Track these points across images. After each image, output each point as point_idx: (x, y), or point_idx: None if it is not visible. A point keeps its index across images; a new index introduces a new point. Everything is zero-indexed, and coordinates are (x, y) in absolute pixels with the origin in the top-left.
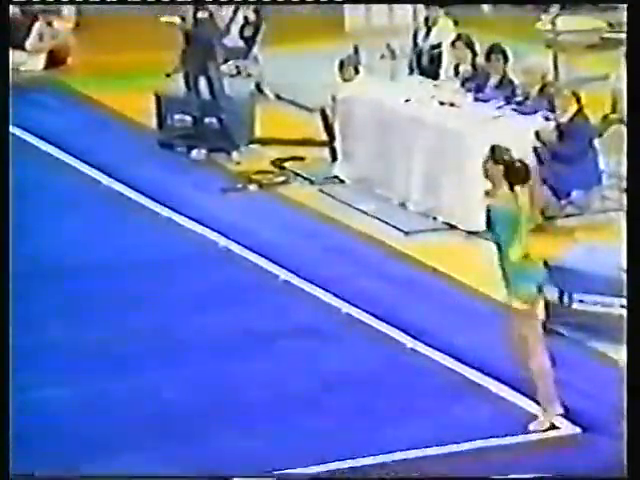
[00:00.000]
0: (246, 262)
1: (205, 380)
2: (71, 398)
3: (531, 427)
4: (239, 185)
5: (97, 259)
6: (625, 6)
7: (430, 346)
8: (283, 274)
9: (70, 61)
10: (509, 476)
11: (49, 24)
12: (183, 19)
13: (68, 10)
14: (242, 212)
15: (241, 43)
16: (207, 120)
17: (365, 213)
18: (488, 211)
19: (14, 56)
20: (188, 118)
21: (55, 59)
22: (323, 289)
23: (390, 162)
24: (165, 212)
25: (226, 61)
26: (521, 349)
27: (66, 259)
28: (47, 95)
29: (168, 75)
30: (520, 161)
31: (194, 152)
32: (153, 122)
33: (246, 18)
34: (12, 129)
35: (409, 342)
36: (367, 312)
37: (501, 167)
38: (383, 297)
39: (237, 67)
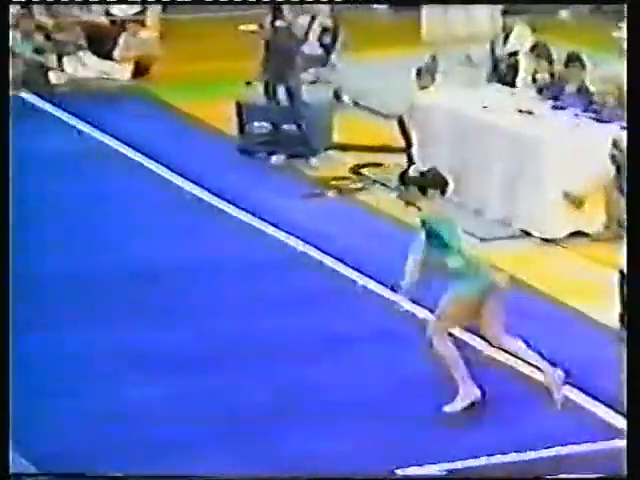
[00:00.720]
0: (324, 267)
1: (282, 383)
2: (154, 398)
3: (446, 409)
4: (317, 191)
5: (178, 264)
6: None
7: (507, 352)
8: (361, 279)
9: (154, 70)
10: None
11: (135, 34)
12: (262, 27)
13: (152, 20)
14: (320, 218)
15: (319, 51)
16: (286, 127)
17: None
18: (423, 225)
19: (103, 65)
20: (268, 125)
21: (141, 68)
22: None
23: (467, 169)
24: (245, 217)
25: (305, 69)
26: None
27: (148, 264)
28: (133, 103)
29: (248, 83)
30: (425, 174)
31: (273, 158)
32: (234, 129)
33: (324, 26)
34: (102, 137)
35: (486, 348)
36: None
37: (412, 187)
38: None
39: (315, 74)
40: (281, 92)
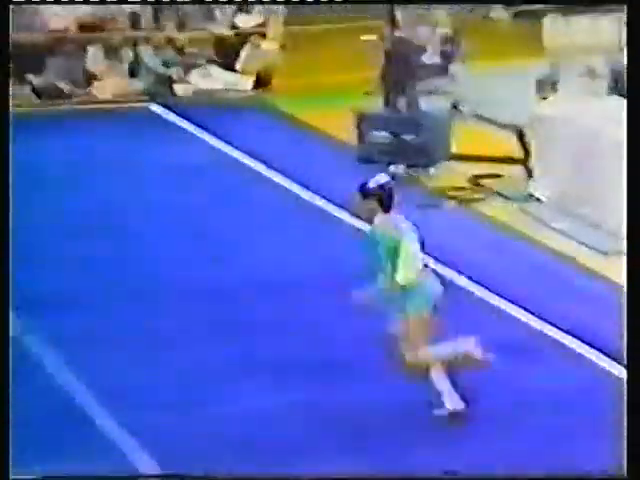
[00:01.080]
0: (440, 278)
1: (407, 391)
2: (282, 404)
3: (436, 412)
4: (435, 201)
5: (297, 271)
6: None
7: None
8: (478, 291)
9: (275, 81)
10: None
11: (257, 46)
12: (382, 38)
13: (274, 32)
14: (438, 228)
15: (439, 60)
16: (405, 137)
17: (561, 232)
18: (369, 237)
19: (225, 77)
20: (387, 135)
21: (262, 79)
22: (520, 307)
23: (586, 181)
24: (363, 226)
25: (424, 79)
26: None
27: (269, 272)
28: (254, 114)
29: (368, 93)
30: (383, 186)
31: (392, 167)
32: (353, 139)
33: (444, 35)
34: (223, 147)
35: (606, 363)
36: (563, 330)
37: (372, 200)
38: (578, 315)
39: (435, 84)
40: (400, 102)
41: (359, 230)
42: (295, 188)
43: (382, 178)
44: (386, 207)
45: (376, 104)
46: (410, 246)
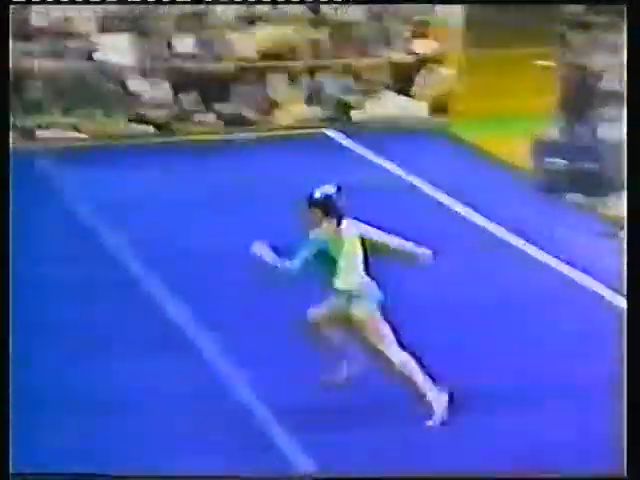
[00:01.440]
0: (617, 308)
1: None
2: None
3: (429, 423)
4: (613, 230)
5: (469, 298)
6: None
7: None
8: None
9: (451, 107)
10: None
11: (433, 71)
12: (558, 64)
13: (451, 57)
14: (614, 257)
15: (618, 87)
16: (582, 164)
17: None
18: (311, 244)
19: (401, 102)
20: (564, 162)
21: (438, 105)
22: None
23: None
24: (538, 254)
25: (602, 105)
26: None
27: (436, 297)
28: (430, 140)
29: (545, 120)
30: (329, 197)
31: (569, 195)
32: (530, 166)
33: (622, 62)
34: (399, 172)
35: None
36: None
37: (318, 209)
38: None
39: (613, 111)
40: (578, 129)
41: (529, 257)
42: (469, 214)
43: (329, 189)
44: (332, 216)
45: (553, 131)
46: (350, 252)
